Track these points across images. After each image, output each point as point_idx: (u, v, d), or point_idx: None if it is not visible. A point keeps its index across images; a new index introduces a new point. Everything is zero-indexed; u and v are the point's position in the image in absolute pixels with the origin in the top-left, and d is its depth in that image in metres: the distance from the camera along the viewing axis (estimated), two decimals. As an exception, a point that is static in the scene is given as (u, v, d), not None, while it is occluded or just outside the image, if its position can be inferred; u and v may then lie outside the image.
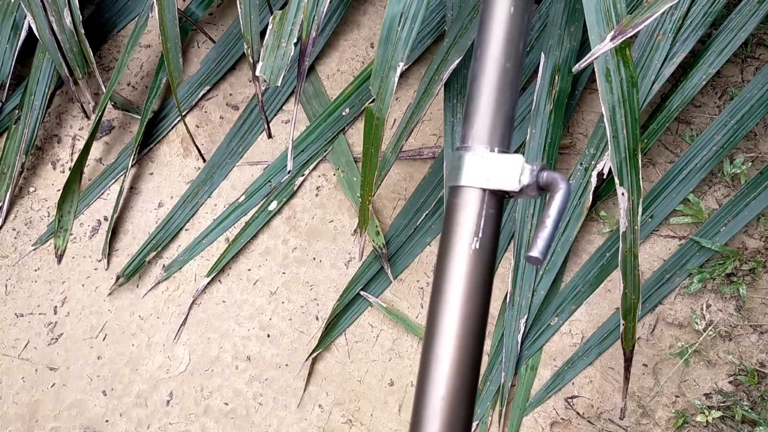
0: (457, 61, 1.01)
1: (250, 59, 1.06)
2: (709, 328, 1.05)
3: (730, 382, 1.03)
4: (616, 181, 0.93)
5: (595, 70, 0.93)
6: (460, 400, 0.44)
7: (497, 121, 0.45)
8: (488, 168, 0.44)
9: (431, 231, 1.14)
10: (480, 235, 0.45)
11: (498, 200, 0.45)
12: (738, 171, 1.08)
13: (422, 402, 0.44)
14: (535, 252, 0.44)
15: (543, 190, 0.44)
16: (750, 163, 1.09)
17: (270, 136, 1.18)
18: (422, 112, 1.02)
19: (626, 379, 0.99)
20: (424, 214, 1.14)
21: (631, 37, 0.82)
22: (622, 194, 0.92)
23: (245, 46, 1.06)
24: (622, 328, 0.96)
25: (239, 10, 1.05)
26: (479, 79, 0.45)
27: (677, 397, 1.04)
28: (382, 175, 1.03)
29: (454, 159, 0.46)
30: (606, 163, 1.06)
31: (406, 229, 1.15)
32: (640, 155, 0.93)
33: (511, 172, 0.44)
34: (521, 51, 0.46)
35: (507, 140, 0.45)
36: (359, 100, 1.20)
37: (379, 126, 0.96)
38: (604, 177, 1.07)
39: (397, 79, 0.94)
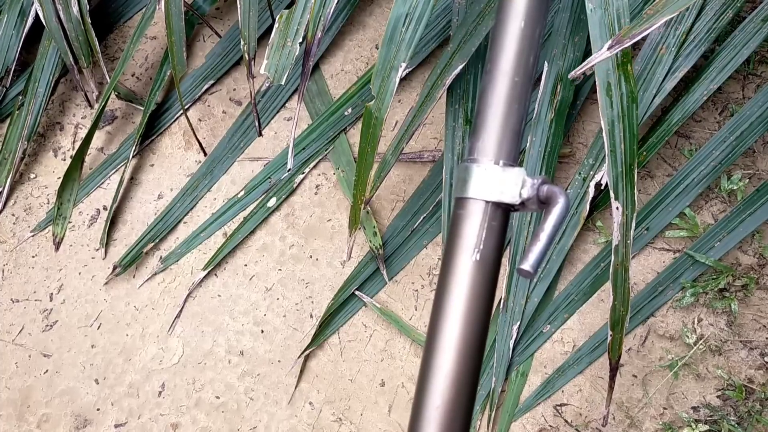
0: (460, 67, 1.02)
1: (246, 56, 1.07)
2: (700, 342, 1.06)
3: (718, 397, 1.04)
4: (612, 195, 0.93)
5: (596, 83, 0.94)
6: (455, 411, 0.45)
7: (504, 135, 0.46)
8: (491, 181, 0.45)
9: (428, 234, 1.15)
10: (481, 246, 0.46)
11: (501, 213, 0.46)
12: (735, 187, 1.09)
13: (418, 411, 0.45)
14: (527, 265, 0.45)
15: (543, 203, 0.45)
16: (747, 180, 1.10)
17: (260, 134, 1.19)
18: (424, 115, 1.03)
19: (610, 388, 0.99)
20: (422, 217, 1.14)
21: (633, 50, 0.83)
22: (617, 208, 0.93)
23: (242, 43, 1.07)
24: (609, 339, 0.97)
25: (239, 6, 1.06)
26: (488, 92, 0.46)
27: (665, 409, 1.05)
28: (381, 177, 1.04)
29: (460, 171, 0.47)
30: (604, 175, 1.06)
31: (403, 231, 1.15)
32: (636, 170, 0.94)
33: (513, 185, 0.45)
34: (531, 65, 0.46)
35: (513, 154, 0.46)
36: (362, 101, 1.21)
37: (377, 125, 0.97)
38: (602, 188, 1.08)
39: (398, 80, 0.95)
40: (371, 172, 1.02)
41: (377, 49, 1.27)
